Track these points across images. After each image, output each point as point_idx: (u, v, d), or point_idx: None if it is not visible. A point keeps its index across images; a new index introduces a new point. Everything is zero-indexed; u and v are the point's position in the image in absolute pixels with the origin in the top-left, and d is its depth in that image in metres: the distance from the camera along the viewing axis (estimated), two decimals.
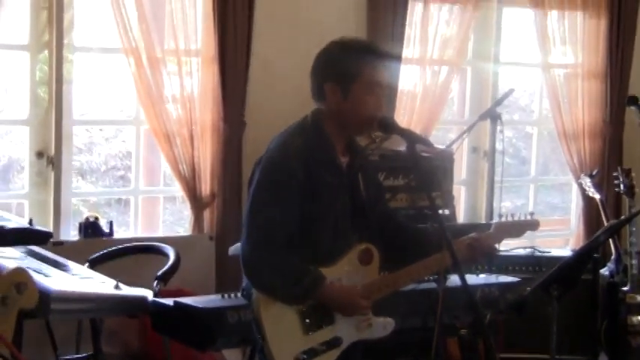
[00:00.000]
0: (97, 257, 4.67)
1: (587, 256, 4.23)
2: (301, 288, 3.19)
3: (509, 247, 5.87)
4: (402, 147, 3.48)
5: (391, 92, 5.79)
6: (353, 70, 3.25)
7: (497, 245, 3.69)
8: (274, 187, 3.23)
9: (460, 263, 3.22)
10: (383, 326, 3.41)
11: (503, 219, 3.67)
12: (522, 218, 3.68)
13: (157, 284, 4.26)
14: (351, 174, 3.38)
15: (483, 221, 5.88)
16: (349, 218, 3.34)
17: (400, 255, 3.48)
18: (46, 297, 3.53)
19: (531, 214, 3.71)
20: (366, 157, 3.57)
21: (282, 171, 3.23)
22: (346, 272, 3.32)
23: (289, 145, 3.28)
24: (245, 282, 3.37)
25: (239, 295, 3.61)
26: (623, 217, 5.65)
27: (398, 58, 5.84)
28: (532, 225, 3.71)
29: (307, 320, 3.25)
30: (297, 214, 3.21)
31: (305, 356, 3.23)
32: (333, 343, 3.28)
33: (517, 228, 3.68)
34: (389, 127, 3.36)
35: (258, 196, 3.25)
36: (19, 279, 2.40)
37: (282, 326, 3.22)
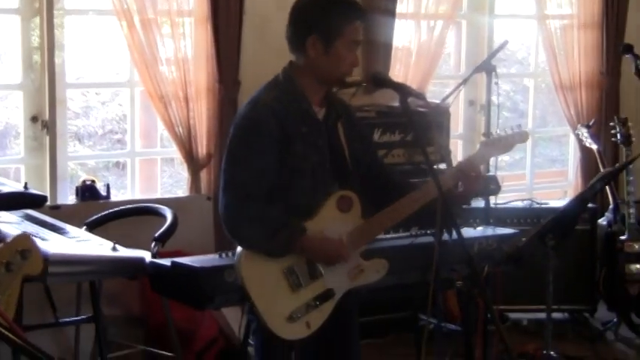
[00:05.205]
0: (94, 220, 4.66)
1: (582, 205, 4.23)
2: (282, 239, 3.16)
3: (507, 199, 5.89)
4: (397, 102, 3.45)
5: (386, 48, 5.76)
6: (339, 27, 3.21)
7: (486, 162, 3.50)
8: (247, 141, 3.20)
9: (444, 192, 3.17)
10: (376, 270, 3.34)
11: (492, 137, 3.53)
12: (510, 132, 3.51)
13: (154, 245, 4.26)
14: (327, 124, 3.34)
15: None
16: (328, 169, 3.30)
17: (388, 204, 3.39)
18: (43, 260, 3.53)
19: (518, 126, 3.54)
20: (347, 107, 3.50)
21: (253, 124, 3.21)
22: (328, 222, 3.25)
23: (260, 99, 3.26)
24: None
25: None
26: (618, 165, 5.66)
27: (391, 13, 5.80)
28: (520, 136, 3.51)
29: (292, 277, 3.21)
30: (273, 166, 3.19)
31: (299, 314, 3.19)
32: (325, 296, 3.23)
33: (505, 142, 3.49)
34: (381, 81, 3.37)
35: (232, 151, 3.24)
36: (23, 245, 2.42)
37: (267, 286, 3.18)
